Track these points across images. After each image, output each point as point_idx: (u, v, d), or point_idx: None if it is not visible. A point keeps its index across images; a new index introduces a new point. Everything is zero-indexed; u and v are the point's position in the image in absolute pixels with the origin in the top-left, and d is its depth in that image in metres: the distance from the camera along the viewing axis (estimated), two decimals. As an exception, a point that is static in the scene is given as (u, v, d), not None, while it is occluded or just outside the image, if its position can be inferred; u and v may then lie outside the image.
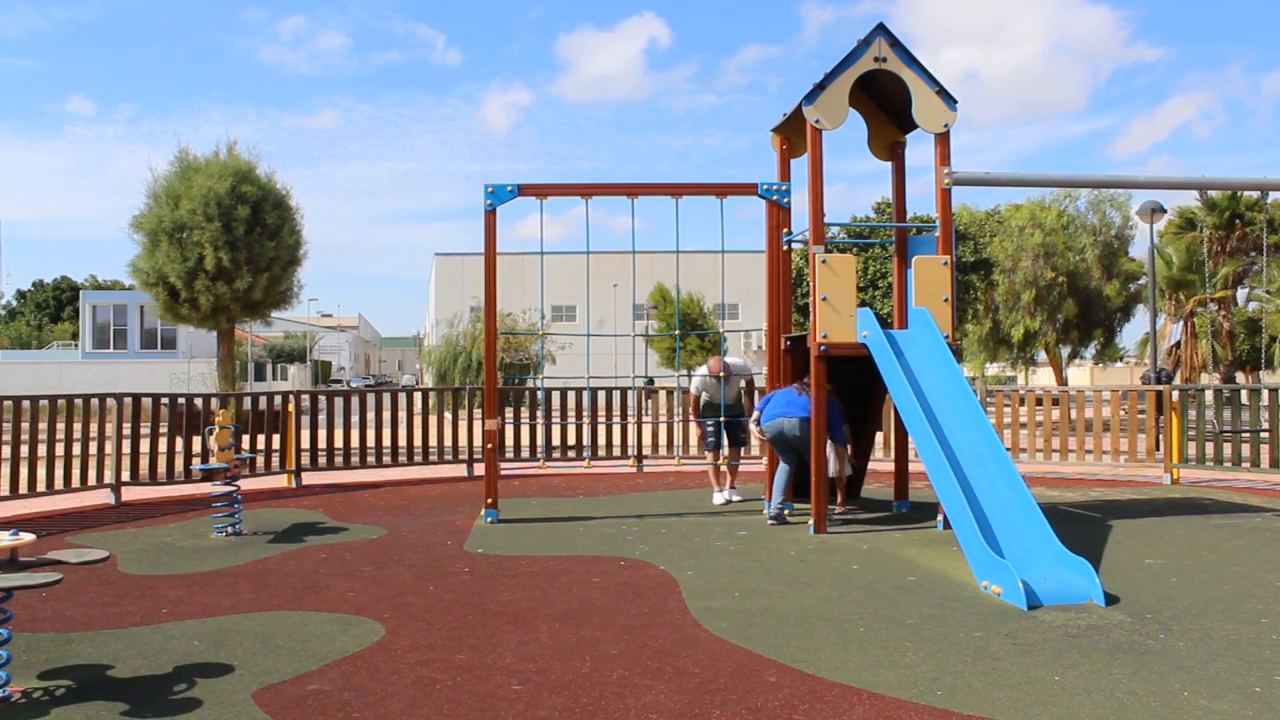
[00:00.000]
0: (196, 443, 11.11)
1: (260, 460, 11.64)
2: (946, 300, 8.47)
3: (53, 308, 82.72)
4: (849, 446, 9.43)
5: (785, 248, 9.34)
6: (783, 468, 8.80)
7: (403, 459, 12.90)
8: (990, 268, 31.78)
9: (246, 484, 9.98)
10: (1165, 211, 24.66)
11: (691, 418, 10.41)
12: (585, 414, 13.45)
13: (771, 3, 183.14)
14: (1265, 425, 11.32)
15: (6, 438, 9.81)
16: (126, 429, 10.56)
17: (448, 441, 13.19)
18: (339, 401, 12.91)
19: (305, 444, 12.19)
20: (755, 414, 9.03)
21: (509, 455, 13.16)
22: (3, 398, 10.07)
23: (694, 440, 14.08)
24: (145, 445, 10.73)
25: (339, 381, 73.95)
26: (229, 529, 8.30)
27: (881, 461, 12.16)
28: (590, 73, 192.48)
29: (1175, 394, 12.07)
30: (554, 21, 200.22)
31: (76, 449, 10.01)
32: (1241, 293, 35.06)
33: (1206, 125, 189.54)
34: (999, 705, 4.03)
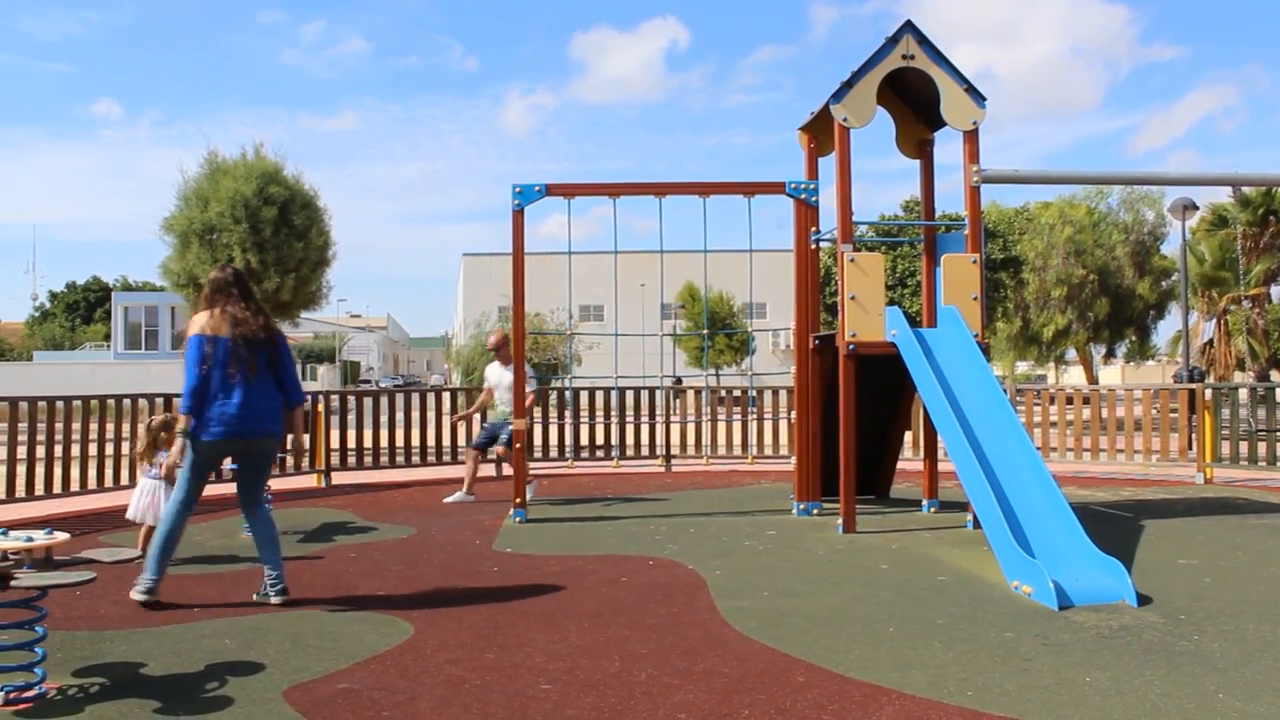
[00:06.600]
0: (227, 442, 11.17)
1: (290, 460, 11.71)
2: (976, 299, 8.41)
3: (84, 309, 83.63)
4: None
5: (813, 246, 9.31)
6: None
7: (431, 459, 12.95)
8: (1020, 266, 31.54)
9: (276, 483, 10.06)
10: (1197, 208, 24.36)
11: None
12: (613, 413, 13.46)
13: (781, 3, 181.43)
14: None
15: (41, 438, 9.93)
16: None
17: (475, 441, 13.21)
18: (368, 401, 12.97)
19: (335, 444, 12.27)
20: None
21: (537, 455, 13.19)
22: (37, 398, 10.20)
23: (723, 440, 14.08)
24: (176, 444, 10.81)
25: (368, 381, 74.35)
26: (260, 528, 8.33)
27: (910, 461, 12.08)
28: (606, 74, 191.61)
29: (1208, 392, 11.93)
30: (568, 24, 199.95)
31: (110, 448, 10.13)
32: (1276, 290, 34.58)
33: (1230, 121, 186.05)
34: (1030, 706, 4.00)
